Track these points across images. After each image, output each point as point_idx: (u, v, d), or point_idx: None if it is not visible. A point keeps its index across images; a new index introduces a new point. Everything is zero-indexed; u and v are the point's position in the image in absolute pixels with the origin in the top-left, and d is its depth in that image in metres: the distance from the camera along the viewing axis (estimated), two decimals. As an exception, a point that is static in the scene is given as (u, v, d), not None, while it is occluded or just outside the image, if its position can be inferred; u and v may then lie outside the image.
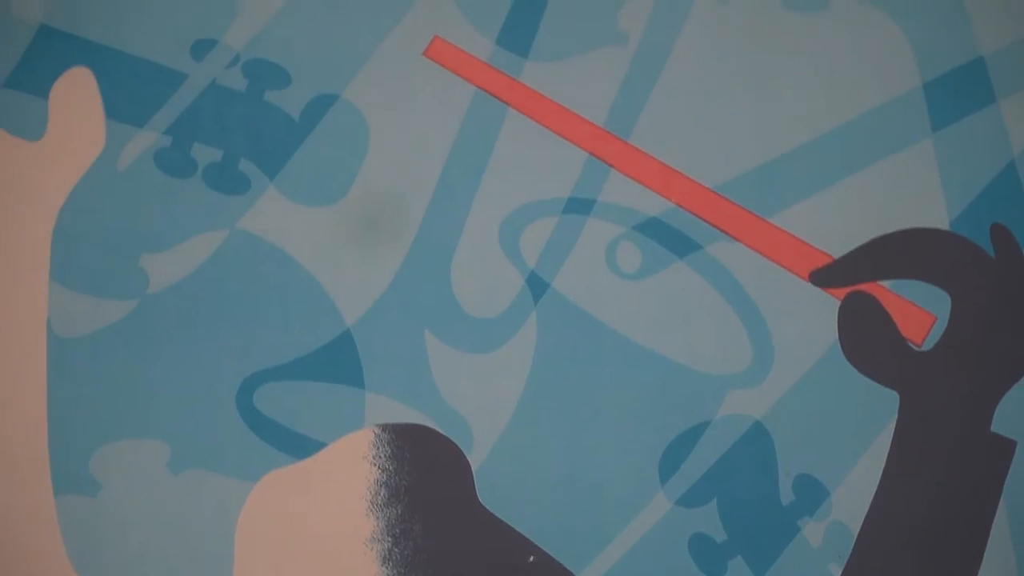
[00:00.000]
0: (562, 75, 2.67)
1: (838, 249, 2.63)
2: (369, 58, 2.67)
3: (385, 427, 2.59)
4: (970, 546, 2.56)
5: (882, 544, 2.57)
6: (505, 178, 2.64)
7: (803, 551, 2.58)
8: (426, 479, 2.58)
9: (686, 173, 2.65)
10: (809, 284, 2.62)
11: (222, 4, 2.67)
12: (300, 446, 2.58)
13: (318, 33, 2.67)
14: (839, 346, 2.61)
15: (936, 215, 2.65)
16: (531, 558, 2.57)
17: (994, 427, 2.58)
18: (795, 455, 2.59)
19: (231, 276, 2.62)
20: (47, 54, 2.66)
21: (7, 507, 2.57)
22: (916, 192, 2.65)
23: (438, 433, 2.59)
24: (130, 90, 2.65)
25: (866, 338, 2.60)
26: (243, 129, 2.64)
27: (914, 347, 2.60)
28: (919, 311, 2.61)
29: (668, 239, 2.63)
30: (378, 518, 2.56)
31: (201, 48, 2.66)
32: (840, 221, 2.64)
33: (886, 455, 2.59)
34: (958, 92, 2.67)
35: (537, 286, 2.62)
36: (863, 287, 2.61)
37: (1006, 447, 2.58)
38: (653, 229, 2.64)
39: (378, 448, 2.58)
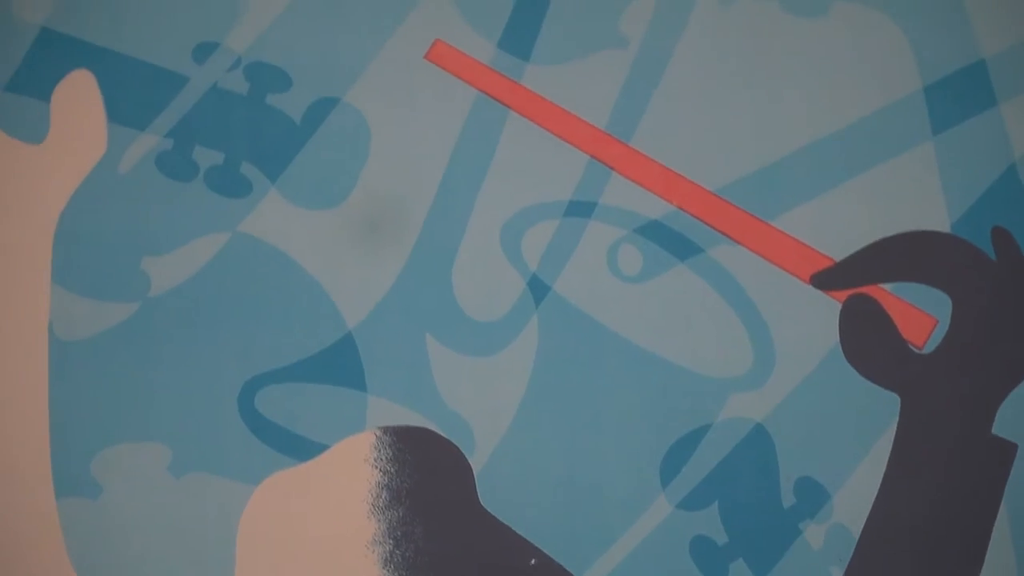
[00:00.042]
0: (563, 78, 2.67)
1: (839, 252, 2.63)
2: (371, 61, 2.67)
3: (386, 430, 2.59)
4: (971, 549, 2.57)
5: (883, 547, 2.57)
6: (506, 181, 2.65)
7: (804, 554, 2.58)
8: (427, 482, 2.58)
9: (687, 176, 2.65)
10: (810, 287, 2.62)
11: (224, 7, 2.68)
12: (301, 449, 2.58)
13: (319, 36, 2.67)
14: (840, 349, 2.61)
15: (937, 218, 2.65)
16: (532, 561, 2.57)
17: (995, 430, 2.59)
18: (796, 458, 2.59)
19: (233, 279, 2.62)
20: (49, 57, 2.66)
21: (9, 509, 2.57)
22: (917, 195, 2.65)
23: (439, 436, 2.59)
24: (132, 93, 2.66)
25: (867, 341, 2.60)
26: (245, 132, 2.65)
27: (915, 350, 2.60)
28: (920, 314, 2.61)
29: (669, 242, 2.63)
30: (379, 521, 2.56)
31: (203, 51, 2.66)
32: (841, 224, 2.64)
33: (887, 458, 2.59)
34: (959, 95, 2.67)
35: (538, 289, 2.62)
36: (864, 290, 2.62)
37: (1007, 450, 2.58)
38: (654, 232, 2.64)
39: (379, 451, 2.58)
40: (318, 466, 2.58)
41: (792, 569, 2.57)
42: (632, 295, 2.63)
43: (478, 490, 2.58)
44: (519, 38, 2.68)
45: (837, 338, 2.61)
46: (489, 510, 2.58)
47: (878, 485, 2.58)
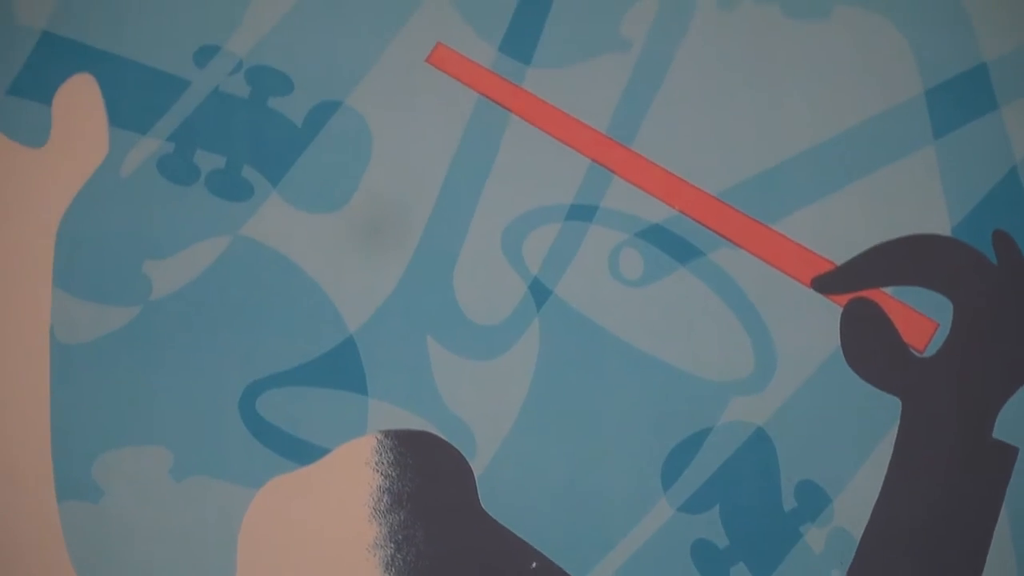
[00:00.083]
0: (565, 82, 2.67)
1: (840, 255, 2.63)
2: (372, 64, 2.67)
3: (388, 433, 2.59)
4: (972, 553, 2.57)
5: (884, 550, 2.57)
6: (508, 184, 2.65)
7: (805, 557, 2.58)
8: (429, 485, 2.58)
9: (688, 179, 2.65)
10: (811, 290, 2.63)
11: (225, 11, 2.67)
12: (303, 452, 2.58)
13: (321, 40, 2.67)
14: (841, 352, 2.61)
15: (938, 221, 2.65)
16: (534, 564, 2.57)
17: (996, 434, 2.59)
18: (797, 461, 2.59)
19: (234, 282, 2.62)
20: (50, 61, 2.66)
21: (10, 513, 2.57)
22: (918, 198, 2.65)
23: (441, 439, 2.59)
24: (133, 96, 2.65)
25: (868, 344, 2.61)
26: (246, 135, 2.64)
27: (916, 354, 2.61)
28: (921, 318, 2.61)
29: (670, 246, 2.63)
30: (381, 524, 2.57)
31: (204, 55, 2.66)
32: (842, 227, 2.64)
33: (888, 461, 2.59)
34: (960, 98, 2.67)
35: (540, 293, 2.62)
36: (865, 293, 2.62)
37: (1008, 454, 2.58)
38: (656, 236, 2.64)
39: (381, 454, 2.58)
40: (319, 470, 2.58)
41: (793, 572, 2.57)
42: (633, 299, 2.63)
43: (479, 493, 2.58)
44: (521, 41, 2.68)
45: (838, 342, 2.61)
46: (490, 513, 2.58)
47: (879, 489, 2.58)
